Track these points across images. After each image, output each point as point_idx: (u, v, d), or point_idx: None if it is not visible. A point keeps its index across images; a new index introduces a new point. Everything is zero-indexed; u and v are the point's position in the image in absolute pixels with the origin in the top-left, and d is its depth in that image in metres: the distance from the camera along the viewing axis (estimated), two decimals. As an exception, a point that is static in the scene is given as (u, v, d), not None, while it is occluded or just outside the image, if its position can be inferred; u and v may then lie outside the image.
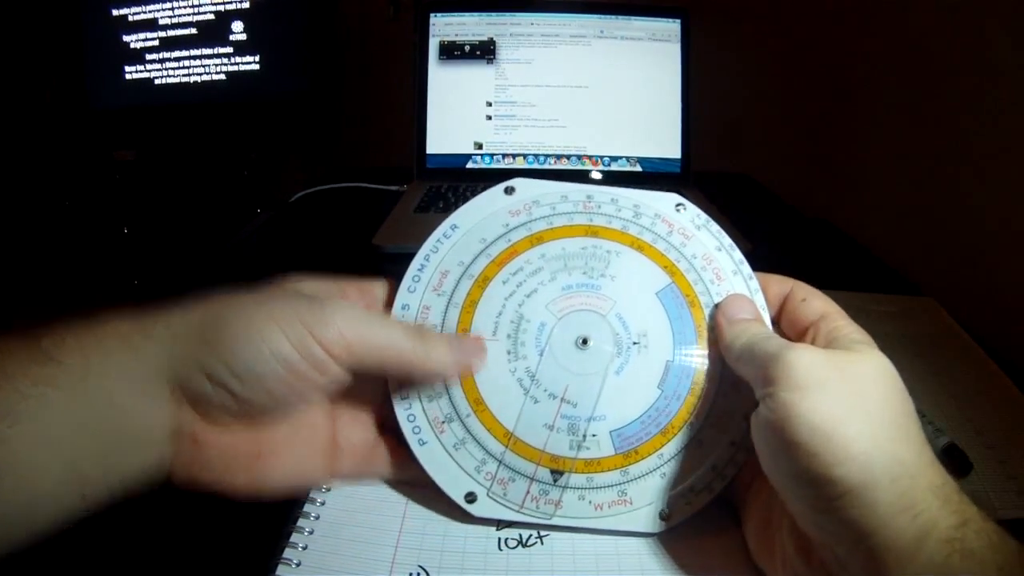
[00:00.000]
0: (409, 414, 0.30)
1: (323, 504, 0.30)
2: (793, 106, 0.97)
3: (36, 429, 0.23)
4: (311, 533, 0.29)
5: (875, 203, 0.83)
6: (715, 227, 0.32)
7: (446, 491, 0.30)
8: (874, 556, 0.21)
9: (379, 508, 0.30)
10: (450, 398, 0.30)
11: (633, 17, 0.77)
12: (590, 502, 0.29)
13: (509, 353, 0.31)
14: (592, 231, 0.32)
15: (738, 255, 0.31)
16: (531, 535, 0.29)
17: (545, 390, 0.30)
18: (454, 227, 0.32)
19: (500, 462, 0.30)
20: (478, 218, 0.33)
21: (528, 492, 0.29)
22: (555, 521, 0.29)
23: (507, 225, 0.32)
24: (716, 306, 0.30)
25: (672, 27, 0.77)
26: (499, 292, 0.31)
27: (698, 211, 0.32)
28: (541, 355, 0.31)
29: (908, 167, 0.77)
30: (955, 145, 0.69)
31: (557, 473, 0.29)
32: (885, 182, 0.82)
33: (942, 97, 0.72)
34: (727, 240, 0.32)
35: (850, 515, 0.21)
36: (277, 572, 0.27)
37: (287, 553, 0.28)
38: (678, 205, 0.32)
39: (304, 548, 0.28)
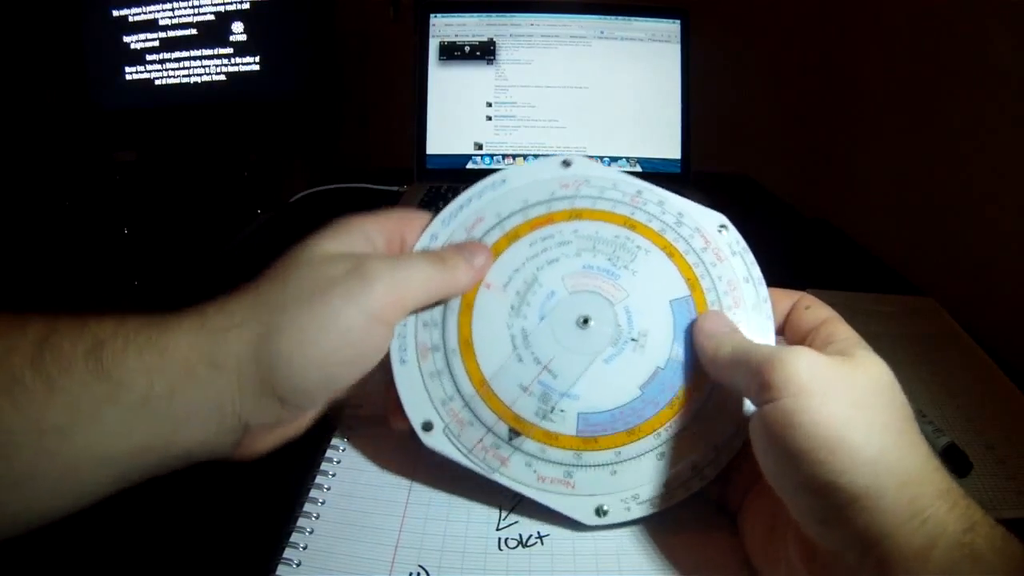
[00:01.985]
0: (401, 331, 0.31)
1: (323, 504, 0.30)
2: (793, 106, 0.97)
3: (89, 444, 0.23)
4: (311, 533, 0.29)
5: (875, 203, 0.83)
6: (750, 257, 0.32)
7: (408, 412, 0.30)
8: (884, 563, 0.21)
9: (379, 508, 0.30)
10: (443, 330, 0.31)
11: (633, 18, 0.77)
12: (535, 472, 0.29)
13: (512, 308, 0.31)
14: (630, 223, 0.32)
15: (764, 292, 0.31)
16: (531, 535, 0.29)
17: (532, 353, 0.30)
18: (504, 180, 0.33)
19: (466, 404, 0.30)
20: (528, 180, 0.33)
21: (480, 441, 0.30)
22: (496, 477, 0.29)
23: (553, 194, 0.33)
24: (692, 324, 0.30)
25: (672, 27, 0.77)
26: (523, 251, 0.32)
27: (738, 236, 0.32)
28: (541, 320, 0.31)
29: (908, 167, 0.78)
30: (955, 145, 0.69)
31: (514, 432, 0.30)
32: (885, 182, 0.82)
33: (942, 97, 0.72)
34: (757, 273, 0.31)
35: (858, 523, 0.21)
36: (277, 572, 0.27)
37: (287, 553, 0.28)
38: (721, 226, 0.33)
39: (304, 548, 0.28)
